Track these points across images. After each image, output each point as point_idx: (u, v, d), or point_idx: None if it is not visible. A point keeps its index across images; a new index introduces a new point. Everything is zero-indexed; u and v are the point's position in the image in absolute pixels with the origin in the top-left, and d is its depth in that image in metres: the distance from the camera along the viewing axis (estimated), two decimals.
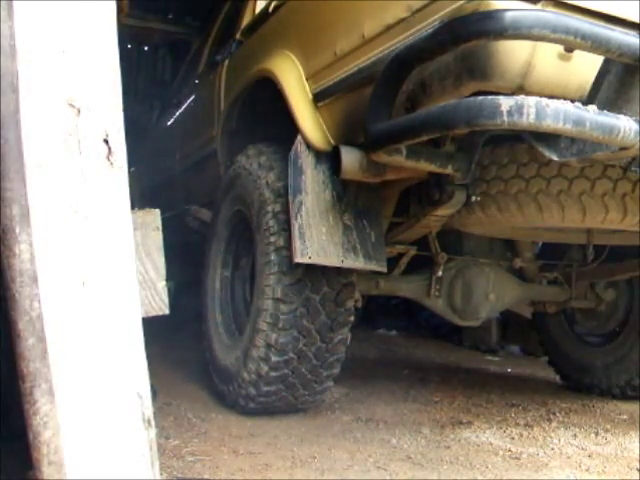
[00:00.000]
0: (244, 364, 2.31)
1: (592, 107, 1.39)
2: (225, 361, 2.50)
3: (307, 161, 2.13)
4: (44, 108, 0.87)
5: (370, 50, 1.84)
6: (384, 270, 2.20)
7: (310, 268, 2.16)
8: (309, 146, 2.13)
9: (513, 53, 1.47)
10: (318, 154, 2.14)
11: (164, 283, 1.10)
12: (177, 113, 4.26)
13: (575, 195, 2.04)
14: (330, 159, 2.04)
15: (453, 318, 2.95)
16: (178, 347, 3.76)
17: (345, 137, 2.03)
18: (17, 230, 0.83)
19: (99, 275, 0.88)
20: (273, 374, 2.23)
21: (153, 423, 0.91)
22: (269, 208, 2.27)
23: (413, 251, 2.67)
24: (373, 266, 2.15)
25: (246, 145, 2.63)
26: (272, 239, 2.22)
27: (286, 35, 2.40)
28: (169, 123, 4.47)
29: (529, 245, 3.07)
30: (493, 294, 2.91)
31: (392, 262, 2.66)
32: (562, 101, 1.37)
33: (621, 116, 1.41)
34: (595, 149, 1.54)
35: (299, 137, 2.15)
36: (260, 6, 2.99)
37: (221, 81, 3.19)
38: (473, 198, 2.12)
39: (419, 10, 1.65)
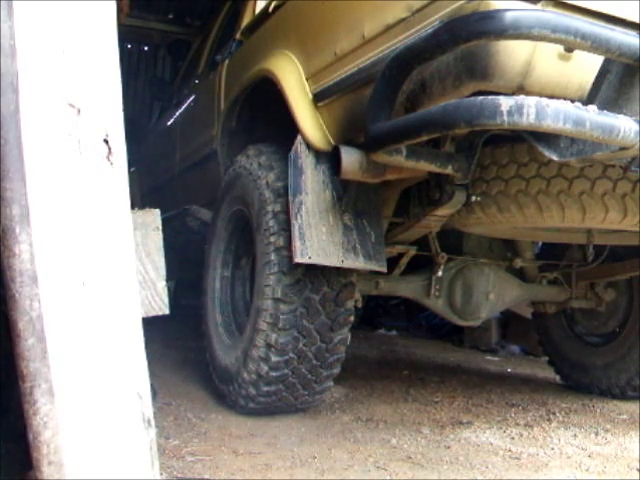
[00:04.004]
0: (244, 364, 2.31)
1: (592, 107, 1.39)
2: (225, 361, 2.50)
3: (307, 161, 2.13)
4: (44, 108, 0.87)
5: (370, 50, 1.84)
6: (384, 270, 2.20)
7: (310, 268, 2.16)
8: (309, 146, 2.13)
9: (513, 53, 1.47)
10: (318, 154, 2.14)
11: (164, 283, 1.10)
12: (177, 113, 4.26)
13: (575, 195, 2.04)
14: (330, 159, 2.04)
15: (453, 318, 2.96)
16: (178, 347, 3.76)
17: (345, 137, 2.03)
18: (17, 230, 0.83)
19: (99, 275, 0.88)
20: (273, 374, 2.23)
21: (153, 423, 0.91)
22: (269, 208, 2.27)
23: (413, 251, 2.67)
24: (373, 266, 2.15)
25: (246, 145, 2.63)
26: (272, 239, 2.22)
27: (286, 35, 2.40)
28: (169, 123, 4.47)
29: (529, 245, 3.07)
30: (493, 294, 2.91)
31: (392, 262, 2.66)
32: (562, 101, 1.37)
33: (621, 116, 1.41)
34: (595, 149, 1.54)
35: (299, 137, 2.15)
36: (260, 6, 2.99)
37: (221, 81, 3.19)
38: (473, 198, 2.12)
39: (419, 10, 1.65)
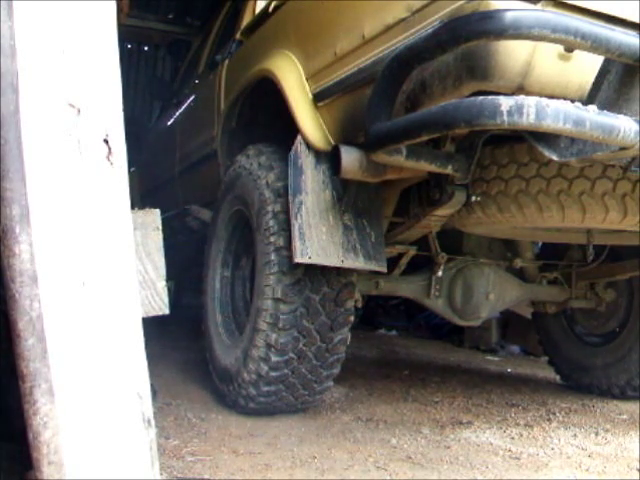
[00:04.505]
0: (244, 364, 2.31)
1: (592, 107, 1.39)
2: (225, 361, 2.50)
3: (307, 161, 2.13)
4: (44, 108, 0.87)
5: (370, 50, 1.84)
6: (384, 270, 2.20)
7: (310, 268, 2.16)
8: (309, 146, 2.13)
9: (513, 53, 1.47)
10: (318, 154, 2.14)
11: (164, 283, 1.10)
12: (177, 113, 4.26)
13: (575, 195, 2.04)
14: (330, 159, 2.04)
15: (453, 318, 2.96)
16: (178, 347, 3.76)
17: (345, 137, 2.03)
18: (17, 230, 0.83)
19: (99, 275, 0.88)
20: (273, 374, 2.23)
21: (153, 423, 0.91)
22: (269, 208, 2.27)
23: (413, 251, 2.67)
24: (373, 266, 2.15)
25: (246, 145, 2.63)
26: (272, 239, 2.22)
27: (286, 35, 2.40)
28: (169, 123, 4.47)
29: (529, 245, 3.07)
30: (493, 294, 2.91)
31: (392, 262, 2.66)
32: (562, 101, 1.37)
33: (621, 116, 1.41)
34: (595, 149, 1.54)
35: (299, 137, 2.15)
36: (260, 6, 2.99)
37: (221, 81, 3.19)
38: (473, 198, 2.12)
39: (419, 10, 1.65)
